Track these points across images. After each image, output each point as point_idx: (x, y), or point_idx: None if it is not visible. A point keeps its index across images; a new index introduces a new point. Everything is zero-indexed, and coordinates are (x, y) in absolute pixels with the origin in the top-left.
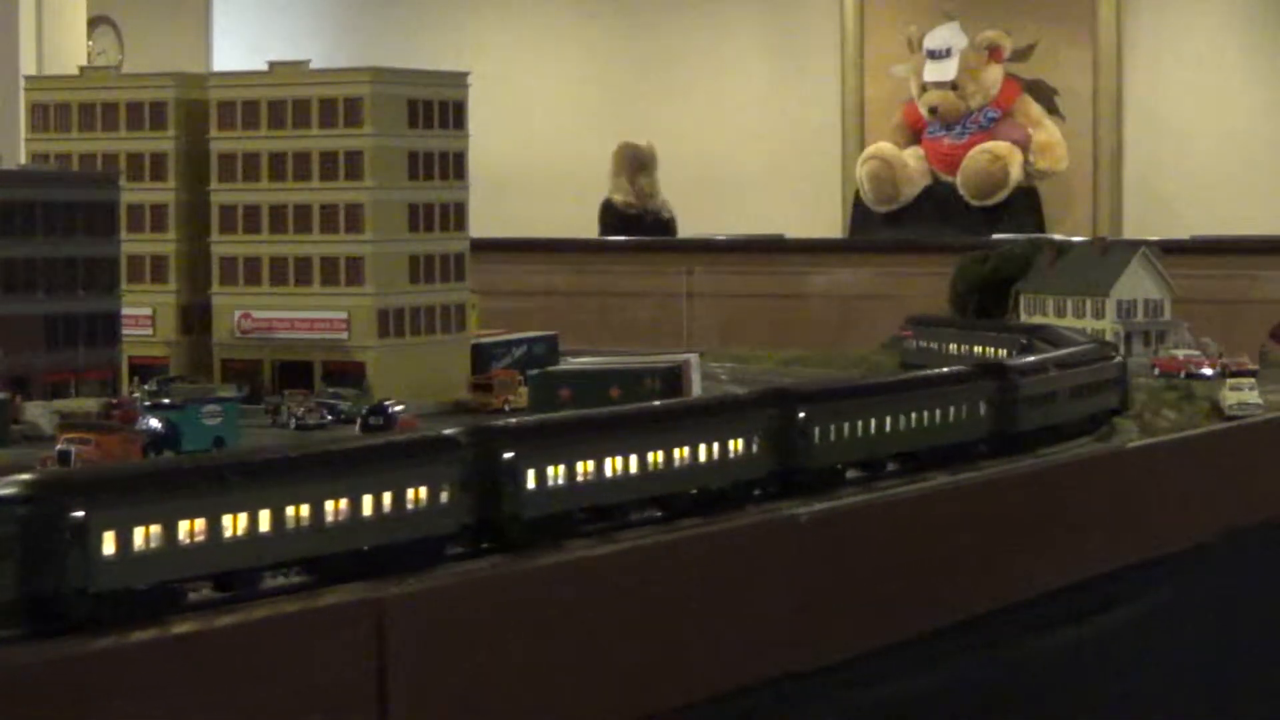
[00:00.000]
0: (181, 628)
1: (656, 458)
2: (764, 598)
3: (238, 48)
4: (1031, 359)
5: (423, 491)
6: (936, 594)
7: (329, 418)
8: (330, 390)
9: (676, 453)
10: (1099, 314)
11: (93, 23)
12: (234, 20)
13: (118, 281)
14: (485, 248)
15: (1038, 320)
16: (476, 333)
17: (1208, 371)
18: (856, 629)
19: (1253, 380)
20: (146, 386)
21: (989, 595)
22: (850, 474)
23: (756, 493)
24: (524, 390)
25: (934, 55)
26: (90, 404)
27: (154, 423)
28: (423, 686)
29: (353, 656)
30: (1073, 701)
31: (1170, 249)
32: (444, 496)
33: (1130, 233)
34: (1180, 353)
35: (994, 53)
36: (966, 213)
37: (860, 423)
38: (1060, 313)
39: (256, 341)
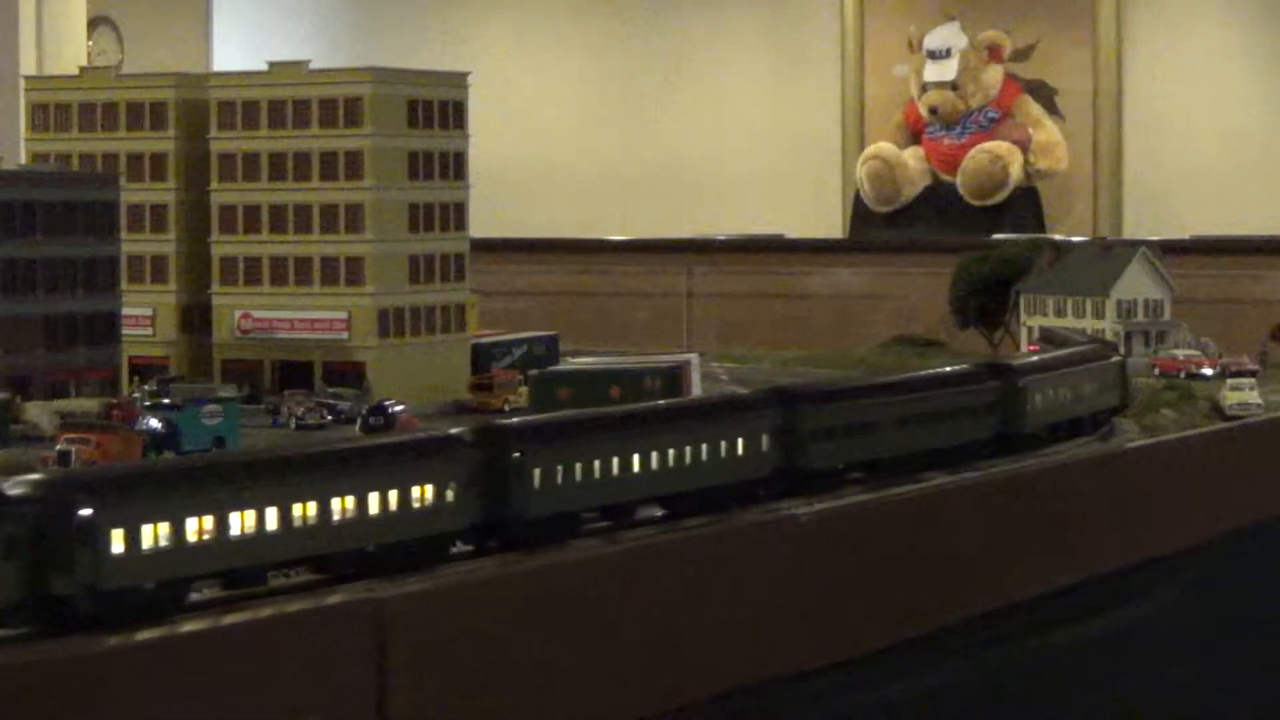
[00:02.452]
0: (183, 628)
1: (306, 511)
2: (764, 598)
3: (238, 48)
4: (829, 384)
5: None
6: (936, 594)
7: (329, 418)
8: (330, 390)
9: (336, 504)
10: (1099, 314)
11: (93, 23)
12: (234, 20)
13: (118, 281)
14: (485, 248)
15: (1038, 321)
16: (476, 333)
17: (1208, 371)
18: (857, 629)
19: (1253, 380)
20: (146, 386)
21: (989, 595)
22: (591, 524)
23: (456, 548)
24: (524, 390)
25: (934, 55)
26: (90, 404)
27: (154, 423)
28: (423, 686)
29: (353, 656)
30: (1073, 701)
31: (1170, 249)
32: None
33: (1130, 233)
34: (1180, 353)
35: (994, 53)
36: (966, 213)
37: (598, 463)
38: (1060, 313)
39: (256, 341)
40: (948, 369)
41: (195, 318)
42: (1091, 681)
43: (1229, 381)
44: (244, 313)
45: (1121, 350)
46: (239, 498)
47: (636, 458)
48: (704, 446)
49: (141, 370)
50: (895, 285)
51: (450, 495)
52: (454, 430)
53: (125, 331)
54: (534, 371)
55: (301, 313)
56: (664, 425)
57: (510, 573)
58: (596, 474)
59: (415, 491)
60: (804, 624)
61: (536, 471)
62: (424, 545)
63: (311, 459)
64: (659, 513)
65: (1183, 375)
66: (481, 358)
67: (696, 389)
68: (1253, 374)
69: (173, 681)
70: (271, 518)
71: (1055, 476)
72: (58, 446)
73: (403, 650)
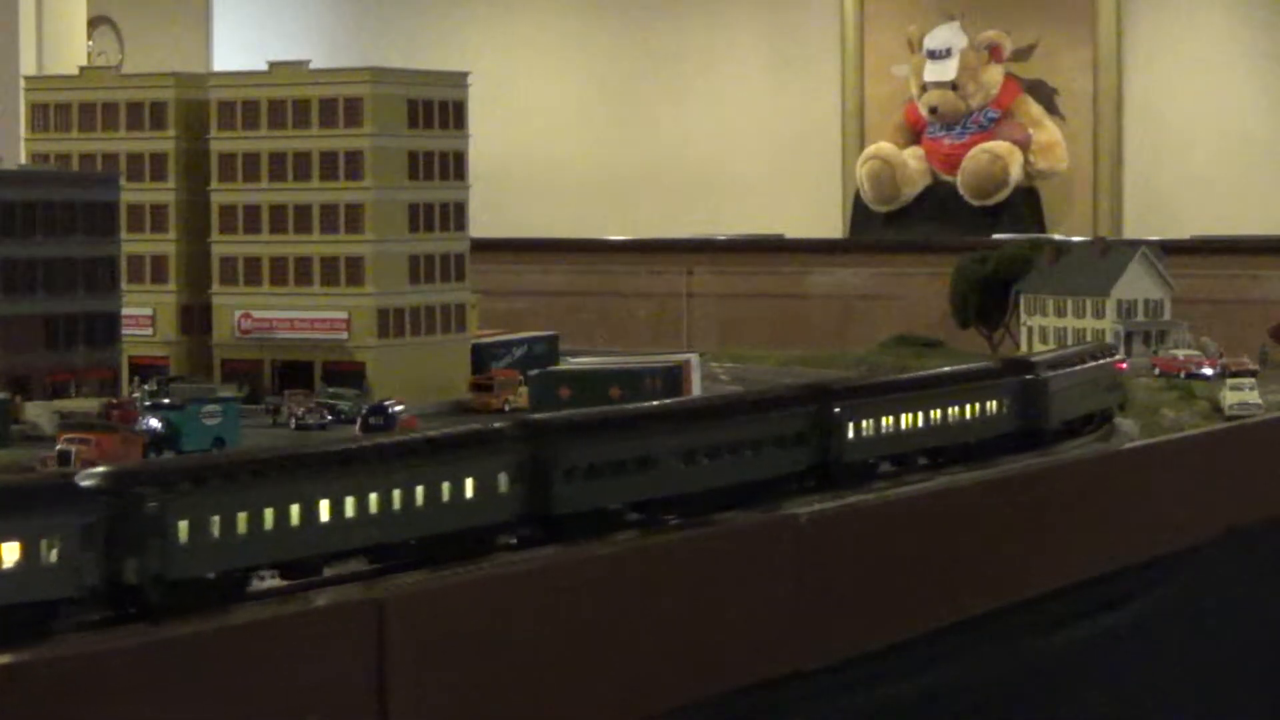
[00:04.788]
0: (180, 628)
1: None
2: (764, 598)
3: (238, 48)
4: (590, 414)
5: None
6: (936, 594)
7: (329, 418)
8: (330, 390)
9: None
10: (1099, 314)
11: (93, 23)
12: (234, 20)
13: (118, 281)
14: (485, 248)
15: (1038, 321)
16: (476, 333)
17: (1208, 371)
18: (856, 629)
19: (1253, 380)
20: (146, 386)
21: (989, 595)
22: (264, 582)
23: (78, 614)
24: (524, 390)
25: (934, 55)
26: (90, 404)
27: (154, 423)
28: (423, 686)
29: (353, 656)
30: (1073, 701)
31: (1170, 249)
32: None
33: (1130, 233)
34: (1180, 353)
35: (994, 53)
36: (966, 213)
37: (271, 513)
38: (1060, 313)
39: (256, 341)
40: (755, 393)
41: (195, 318)
42: (1091, 681)
43: (1229, 381)
44: (244, 313)
45: (1121, 349)
46: None
47: (326, 505)
48: (419, 489)
49: (141, 370)
50: (895, 285)
51: (54, 555)
52: (79, 475)
53: (125, 331)
54: (534, 371)
55: (301, 313)
56: (366, 464)
57: (510, 572)
58: (269, 525)
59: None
60: (804, 624)
61: (183, 524)
62: (23, 613)
63: None
64: (367, 566)
65: (1183, 375)
66: (481, 358)
67: (697, 389)
68: (1253, 374)
69: (170, 682)
70: None
71: (1054, 476)
72: (58, 446)
73: (403, 650)
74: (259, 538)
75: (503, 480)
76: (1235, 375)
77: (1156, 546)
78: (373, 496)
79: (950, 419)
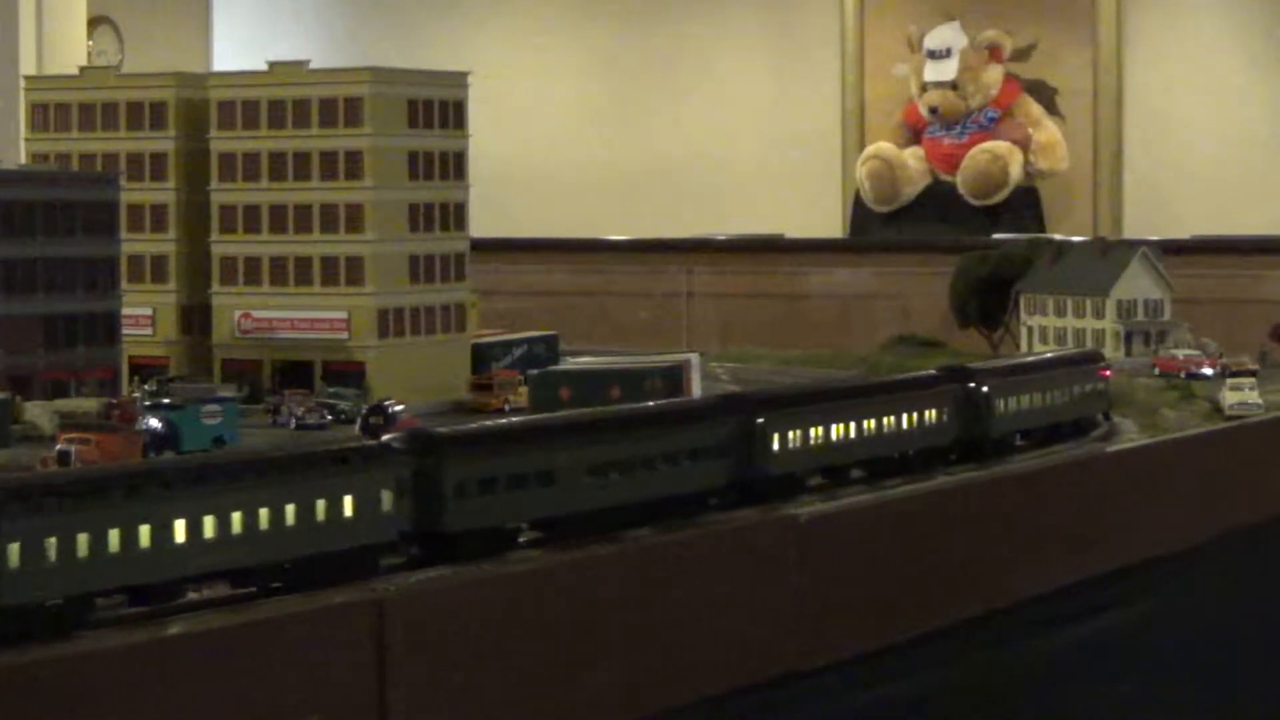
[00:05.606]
0: (180, 628)
1: None
2: (764, 598)
3: (238, 48)
4: (488, 426)
5: None
6: (936, 594)
7: (329, 418)
8: (330, 390)
9: None
10: (1099, 314)
11: (93, 23)
12: (234, 20)
13: (118, 281)
14: (485, 248)
15: (1038, 321)
16: (476, 333)
17: (1208, 371)
18: (855, 629)
19: (1253, 380)
20: (146, 386)
21: (988, 595)
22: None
23: None
24: (524, 390)
25: (934, 55)
26: (90, 404)
27: (154, 423)
28: (423, 686)
29: (353, 656)
30: (1073, 701)
31: (1170, 249)
32: None
33: (1130, 233)
34: (1180, 353)
35: (994, 53)
36: (966, 213)
37: (118, 534)
38: (1060, 312)
39: (256, 341)
40: (671, 404)
41: (195, 318)
42: (1090, 682)
43: (1229, 381)
44: (244, 313)
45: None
46: None
47: (181, 525)
48: (290, 508)
49: (141, 370)
50: (895, 285)
51: None
52: None
53: (125, 331)
54: (534, 371)
55: (301, 313)
56: (227, 481)
57: (511, 572)
58: (114, 547)
59: None
60: (804, 624)
61: (13, 548)
62: None
63: None
64: (233, 590)
65: (1183, 375)
66: (481, 358)
67: (697, 389)
68: (1253, 374)
69: (170, 682)
70: None
71: (1054, 476)
72: (58, 446)
73: (403, 649)
74: (103, 561)
75: (386, 497)
76: (1235, 375)
77: (1156, 546)
78: (235, 516)
79: (884, 430)
